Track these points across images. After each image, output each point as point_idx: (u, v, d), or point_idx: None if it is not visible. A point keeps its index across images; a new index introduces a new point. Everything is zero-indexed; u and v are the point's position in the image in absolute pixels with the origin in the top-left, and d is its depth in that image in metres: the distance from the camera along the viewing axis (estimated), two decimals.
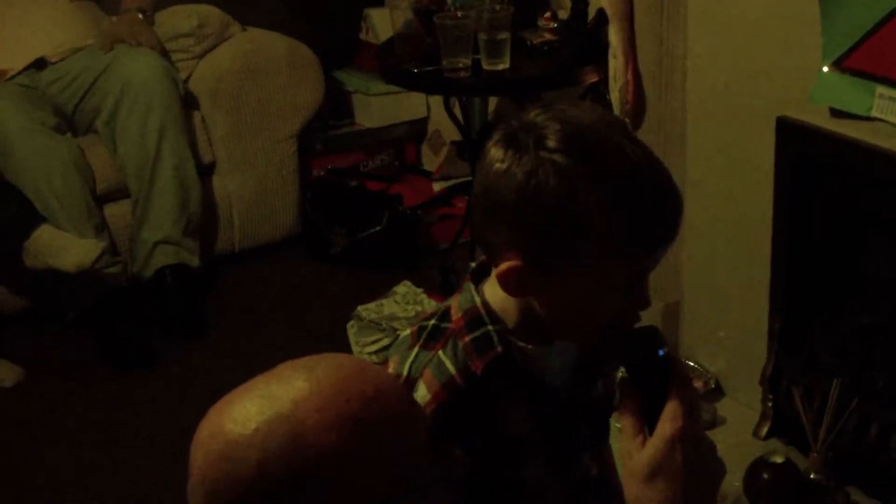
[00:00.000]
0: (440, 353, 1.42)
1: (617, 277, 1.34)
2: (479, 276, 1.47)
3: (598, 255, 1.31)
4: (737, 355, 2.78)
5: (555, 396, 1.47)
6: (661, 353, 1.21)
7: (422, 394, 1.40)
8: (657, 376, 1.20)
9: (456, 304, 1.45)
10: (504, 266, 1.35)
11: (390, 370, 1.46)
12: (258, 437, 1.01)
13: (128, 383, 3.17)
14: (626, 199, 1.30)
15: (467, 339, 1.41)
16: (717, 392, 2.82)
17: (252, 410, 1.02)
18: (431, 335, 1.44)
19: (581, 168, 1.29)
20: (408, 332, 1.49)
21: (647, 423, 1.19)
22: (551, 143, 1.30)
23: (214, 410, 1.06)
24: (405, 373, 1.43)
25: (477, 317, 1.42)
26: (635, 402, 1.19)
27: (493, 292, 1.43)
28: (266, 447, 1.00)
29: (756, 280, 2.60)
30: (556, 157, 1.29)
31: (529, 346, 1.43)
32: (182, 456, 1.07)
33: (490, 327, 1.41)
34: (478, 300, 1.43)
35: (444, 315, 1.46)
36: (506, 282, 1.37)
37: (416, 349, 1.44)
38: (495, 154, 1.34)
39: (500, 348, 1.40)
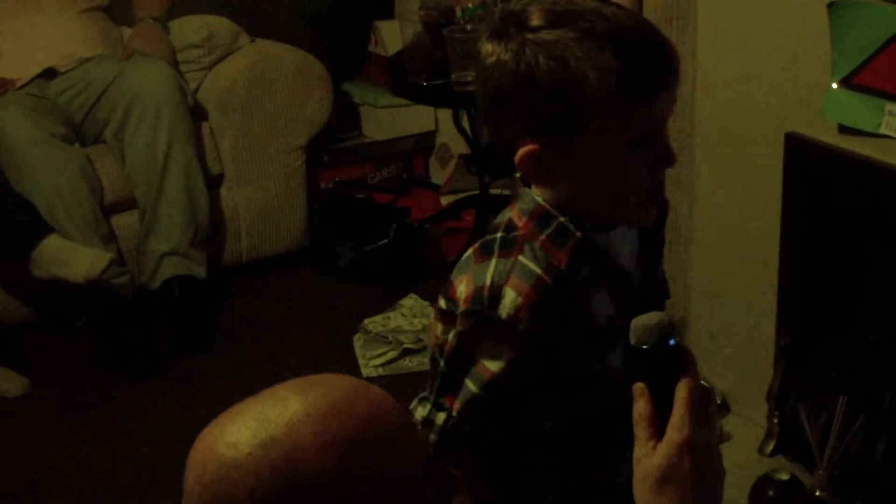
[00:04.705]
0: (519, 257, 1.43)
1: (630, 131, 1.37)
2: (528, 183, 1.49)
3: (605, 116, 1.35)
4: (743, 371, 2.77)
5: (629, 279, 1.49)
6: (671, 342, 1.20)
7: (511, 298, 1.41)
8: (668, 366, 1.19)
9: (517, 212, 1.47)
10: (521, 152, 1.40)
11: (461, 289, 1.47)
12: (251, 462, 0.99)
13: (134, 392, 3.17)
14: (614, 51, 1.35)
15: (542, 237, 1.43)
16: (723, 408, 2.80)
17: (245, 434, 1.00)
18: (504, 246, 1.45)
19: (565, 38, 1.35)
20: (469, 252, 1.49)
21: (658, 416, 1.18)
22: (534, 23, 1.37)
23: (208, 432, 1.04)
24: (488, 282, 1.43)
25: (544, 213, 1.44)
26: (648, 407, 1.18)
27: (544, 192, 1.46)
28: (259, 472, 0.98)
29: (763, 296, 2.60)
30: (541, 34, 1.36)
31: (598, 233, 1.46)
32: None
33: (561, 218, 1.44)
34: (539, 199, 1.45)
35: (509, 227, 1.47)
36: (527, 167, 1.41)
37: (493, 260, 1.44)
38: (486, 49, 1.42)
39: (578, 233, 1.43)
